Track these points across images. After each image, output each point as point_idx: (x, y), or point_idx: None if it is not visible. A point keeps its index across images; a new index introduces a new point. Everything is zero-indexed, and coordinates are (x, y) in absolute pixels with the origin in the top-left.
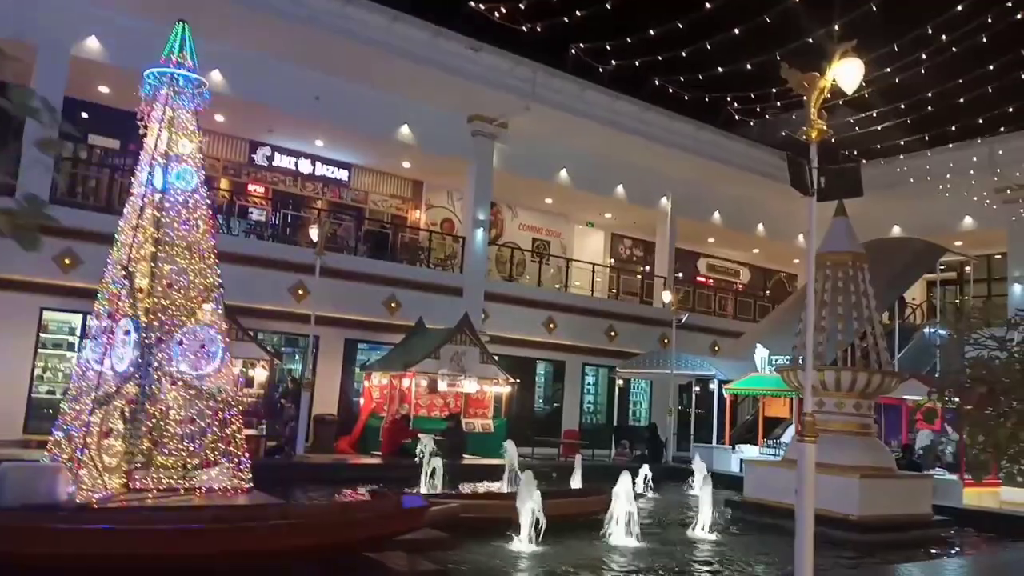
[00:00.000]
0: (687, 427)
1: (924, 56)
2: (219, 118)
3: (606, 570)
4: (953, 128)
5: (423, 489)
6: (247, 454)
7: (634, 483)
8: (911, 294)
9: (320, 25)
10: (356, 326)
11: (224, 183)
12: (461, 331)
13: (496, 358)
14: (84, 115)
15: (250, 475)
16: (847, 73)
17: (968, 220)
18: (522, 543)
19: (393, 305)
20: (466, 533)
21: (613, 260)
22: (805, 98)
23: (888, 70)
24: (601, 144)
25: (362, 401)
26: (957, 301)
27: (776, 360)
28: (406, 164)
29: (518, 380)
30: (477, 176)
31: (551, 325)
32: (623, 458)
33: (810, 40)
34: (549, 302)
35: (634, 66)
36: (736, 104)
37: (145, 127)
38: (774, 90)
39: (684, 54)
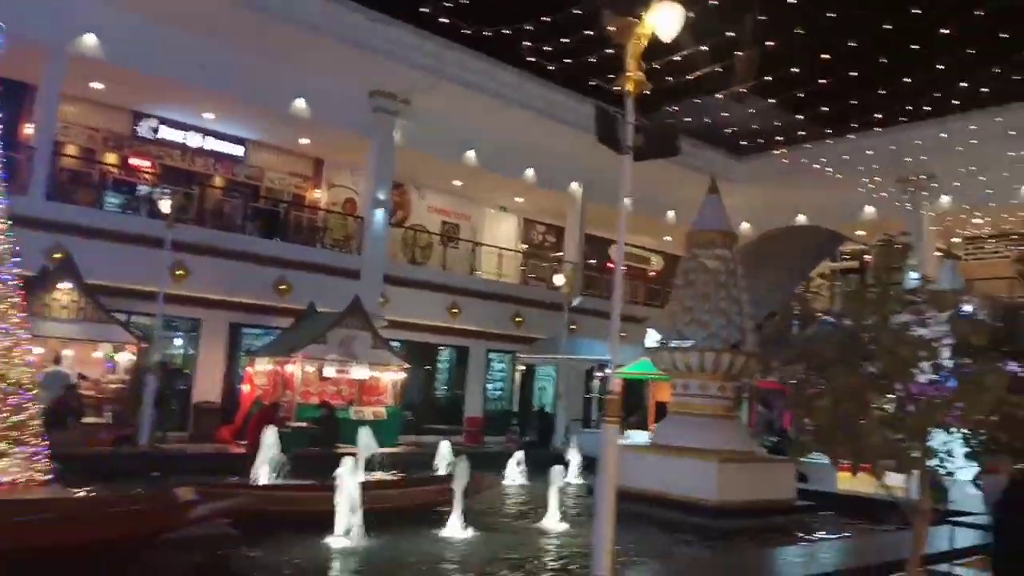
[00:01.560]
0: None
1: (828, 44)
2: (96, 85)
3: (423, 564)
4: (870, 119)
5: (263, 480)
6: (44, 442)
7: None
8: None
9: None
10: (242, 309)
11: (104, 155)
12: (351, 315)
13: (397, 344)
14: None
15: (48, 465)
16: (665, 20)
17: (869, 209)
18: (341, 538)
19: (283, 287)
20: (287, 527)
21: (526, 245)
22: (624, 46)
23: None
24: (510, 125)
25: (247, 388)
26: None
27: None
28: (304, 140)
29: (411, 366)
30: (378, 154)
31: (455, 310)
32: (513, 444)
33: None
34: (453, 286)
35: (540, 46)
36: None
37: None
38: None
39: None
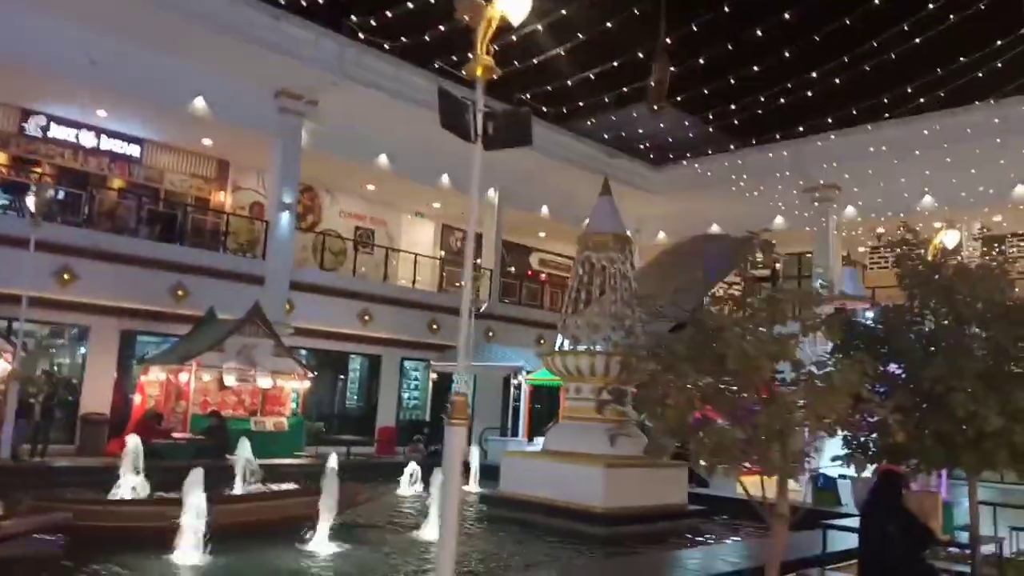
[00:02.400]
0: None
1: (737, 55)
2: None
3: None
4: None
5: (123, 495)
6: None
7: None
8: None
9: None
10: (136, 315)
11: None
12: (251, 321)
13: (305, 352)
14: None
15: None
16: (514, 3)
17: (779, 219)
18: (187, 554)
19: (180, 293)
20: (130, 544)
21: (444, 252)
22: (474, 29)
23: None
24: (423, 129)
25: (139, 398)
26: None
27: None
28: (207, 141)
29: (320, 375)
30: (283, 155)
31: (367, 317)
32: (417, 454)
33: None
34: (365, 293)
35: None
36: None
37: None
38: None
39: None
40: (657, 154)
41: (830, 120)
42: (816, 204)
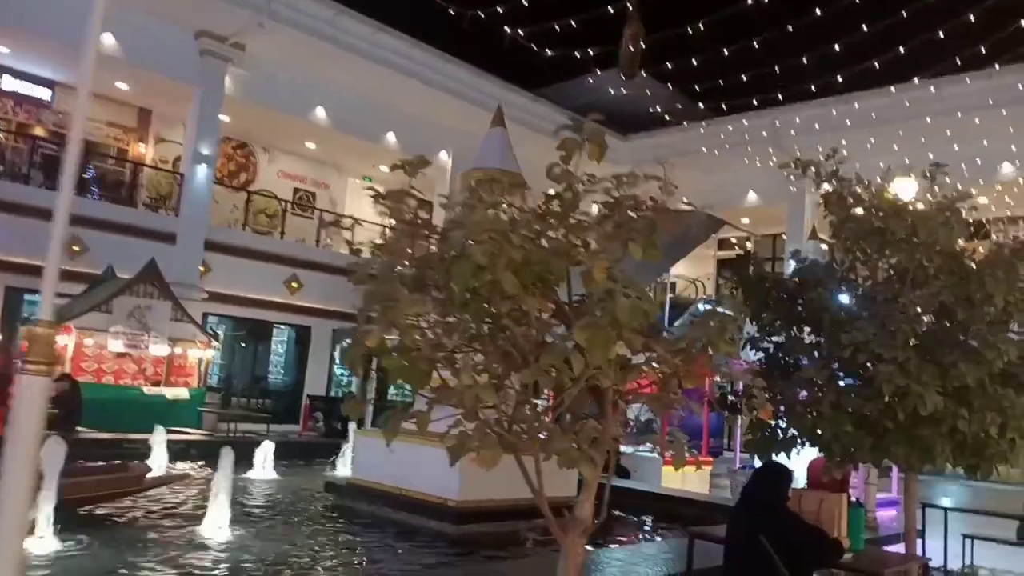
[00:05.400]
0: None
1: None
2: None
3: None
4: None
5: None
6: None
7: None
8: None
9: None
10: (23, 271)
11: None
12: (144, 281)
13: (217, 319)
14: None
15: None
16: None
17: (752, 196)
18: None
19: (76, 248)
20: None
21: (395, 220)
22: None
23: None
24: (366, 82)
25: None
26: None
27: None
28: (122, 85)
29: (244, 345)
30: (203, 102)
31: (294, 284)
32: (314, 433)
33: None
34: (294, 257)
35: None
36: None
37: None
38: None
39: None
40: (625, 123)
41: (812, 88)
42: (791, 180)
